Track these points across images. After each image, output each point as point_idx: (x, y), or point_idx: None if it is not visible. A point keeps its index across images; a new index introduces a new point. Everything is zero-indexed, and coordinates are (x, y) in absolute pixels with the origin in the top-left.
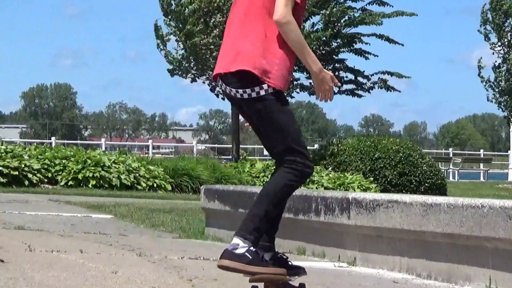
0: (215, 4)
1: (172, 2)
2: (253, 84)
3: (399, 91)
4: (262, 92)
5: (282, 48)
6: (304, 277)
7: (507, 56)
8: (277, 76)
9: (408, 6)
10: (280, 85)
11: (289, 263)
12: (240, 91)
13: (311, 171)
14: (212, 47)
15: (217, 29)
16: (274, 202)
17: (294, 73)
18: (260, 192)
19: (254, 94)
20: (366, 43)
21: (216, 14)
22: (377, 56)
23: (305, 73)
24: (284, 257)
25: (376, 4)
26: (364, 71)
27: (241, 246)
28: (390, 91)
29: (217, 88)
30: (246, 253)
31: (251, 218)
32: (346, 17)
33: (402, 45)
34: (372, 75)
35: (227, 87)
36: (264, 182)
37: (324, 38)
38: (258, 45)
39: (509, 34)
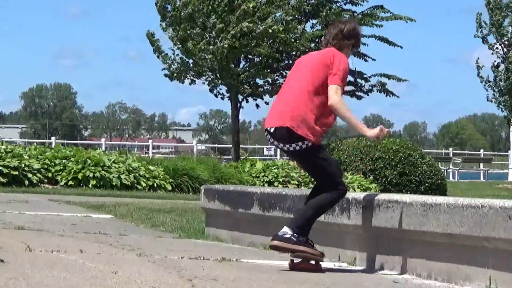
0: (210, 7)
1: (168, 6)
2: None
3: (398, 96)
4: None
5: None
6: (305, 277)
7: (506, 55)
8: (317, 137)
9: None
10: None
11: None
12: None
13: (346, 191)
14: (207, 50)
15: (213, 32)
16: (319, 213)
17: None
18: (311, 202)
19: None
20: (365, 44)
21: (211, 16)
22: (375, 60)
23: None
24: (312, 243)
25: (375, 9)
26: (363, 74)
27: (288, 233)
28: (389, 95)
29: (215, 90)
30: (292, 237)
31: (301, 218)
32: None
33: (401, 47)
34: (370, 77)
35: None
36: (264, 182)
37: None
38: (312, 114)
39: (508, 33)
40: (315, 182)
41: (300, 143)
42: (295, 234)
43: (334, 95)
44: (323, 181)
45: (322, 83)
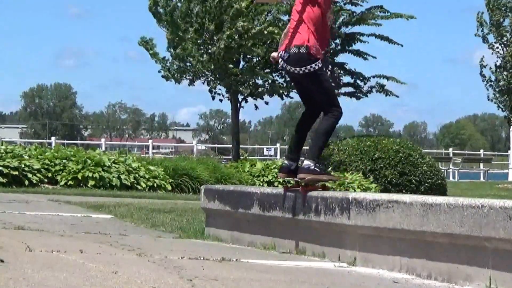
0: (203, 8)
1: (160, 9)
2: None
3: (397, 96)
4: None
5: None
6: (305, 277)
7: (506, 54)
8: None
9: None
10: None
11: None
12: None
13: (342, 113)
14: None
15: (207, 34)
16: (328, 137)
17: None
18: (317, 131)
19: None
20: (364, 42)
21: (204, 18)
22: (375, 57)
23: None
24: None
25: (374, 9)
26: (362, 74)
27: (311, 165)
28: (389, 95)
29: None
30: (316, 168)
31: (316, 148)
32: (343, 17)
33: (402, 45)
34: (369, 78)
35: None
36: (264, 182)
37: None
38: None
39: (508, 33)
40: (303, 111)
41: (313, 65)
42: (317, 165)
43: None
44: (328, 100)
45: (316, 7)
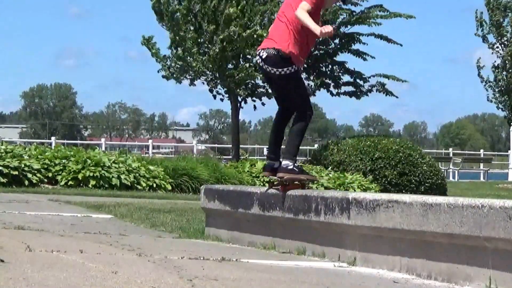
0: (202, 10)
1: (162, 8)
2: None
3: (397, 97)
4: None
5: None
6: (305, 277)
7: (506, 54)
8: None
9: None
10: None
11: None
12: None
13: (313, 113)
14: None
15: (207, 34)
16: (302, 136)
17: None
18: (291, 131)
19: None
20: (364, 43)
21: (203, 18)
22: (374, 58)
23: (304, 73)
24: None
25: (374, 8)
26: (361, 73)
27: (290, 164)
28: (389, 95)
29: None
30: (294, 168)
31: (293, 148)
32: (342, 17)
33: (401, 45)
34: (370, 77)
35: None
36: (264, 182)
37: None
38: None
39: (508, 33)
40: (277, 111)
41: (290, 68)
42: (295, 164)
43: (300, 8)
44: (301, 103)
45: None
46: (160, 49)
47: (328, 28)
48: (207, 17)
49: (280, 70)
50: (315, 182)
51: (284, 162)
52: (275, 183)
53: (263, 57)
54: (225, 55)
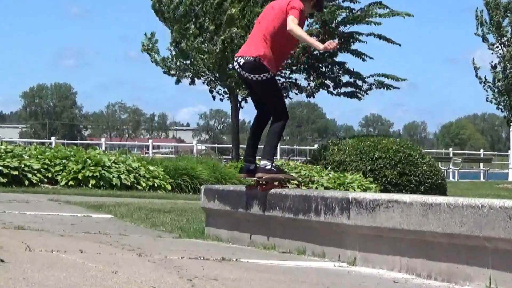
0: (203, 8)
1: (163, 7)
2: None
3: (398, 88)
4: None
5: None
6: (305, 277)
7: (506, 54)
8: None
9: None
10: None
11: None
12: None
13: (289, 117)
14: (203, 50)
15: (208, 33)
16: (278, 137)
17: (291, 74)
18: (270, 132)
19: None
20: (363, 42)
21: (205, 18)
22: (372, 58)
23: (304, 73)
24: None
25: (373, 5)
26: (360, 74)
27: (268, 164)
28: (389, 89)
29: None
30: (272, 168)
31: (270, 148)
32: (341, 17)
33: (399, 45)
34: (368, 77)
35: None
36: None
37: (321, 36)
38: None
39: (508, 33)
40: (255, 116)
41: (266, 74)
42: (273, 164)
43: (291, 22)
44: (277, 106)
45: (280, 26)
46: (160, 49)
47: (332, 45)
48: (209, 16)
49: (257, 76)
50: (294, 181)
51: (263, 162)
52: (252, 183)
53: (241, 63)
54: (225, 55)
